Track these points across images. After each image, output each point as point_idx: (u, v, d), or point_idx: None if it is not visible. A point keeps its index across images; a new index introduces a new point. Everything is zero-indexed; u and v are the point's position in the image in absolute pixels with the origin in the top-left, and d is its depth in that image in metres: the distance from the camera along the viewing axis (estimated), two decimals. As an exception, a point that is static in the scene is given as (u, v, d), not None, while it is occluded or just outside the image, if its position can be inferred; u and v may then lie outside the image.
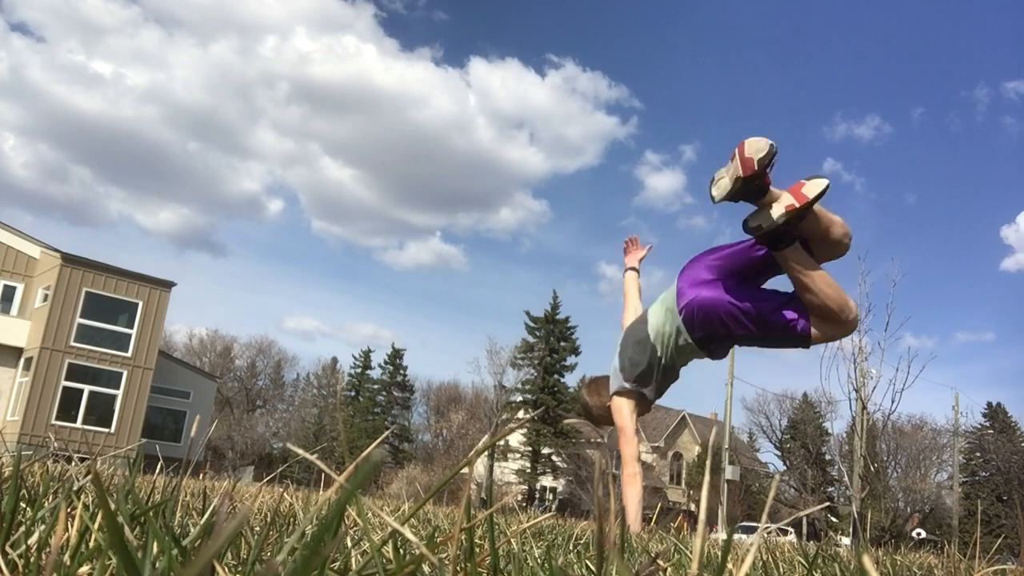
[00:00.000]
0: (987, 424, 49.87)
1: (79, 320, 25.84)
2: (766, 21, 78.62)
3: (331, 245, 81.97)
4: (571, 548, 1.31)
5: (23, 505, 0.85)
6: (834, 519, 36.86)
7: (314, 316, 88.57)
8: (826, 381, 26.91)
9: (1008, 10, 62.94)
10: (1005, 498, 44.62)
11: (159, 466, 1.63)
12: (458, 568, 0.59)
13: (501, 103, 76.62)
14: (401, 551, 0.68)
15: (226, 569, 0.65)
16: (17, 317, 26.47)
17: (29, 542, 0.67)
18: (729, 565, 0.82)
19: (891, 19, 73.51)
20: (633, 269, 4.62)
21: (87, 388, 25.99)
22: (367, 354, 59.01)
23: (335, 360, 63.86)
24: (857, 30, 74.03)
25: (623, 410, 4.16)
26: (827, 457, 46.44)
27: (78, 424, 25.33)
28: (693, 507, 44.12)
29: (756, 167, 3.09)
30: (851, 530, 21.64)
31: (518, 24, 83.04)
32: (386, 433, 0.86)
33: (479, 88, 77.76)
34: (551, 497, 45.23)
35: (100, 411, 26.27)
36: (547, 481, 46.12)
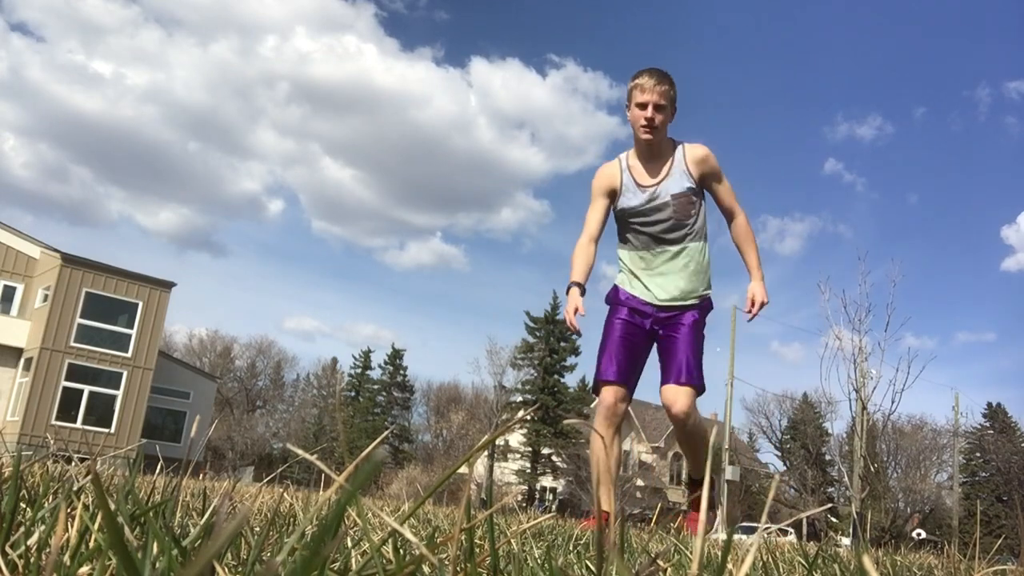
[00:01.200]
0: (987, 424, 49.90)
1: (79, 320, 25.86)
2: (768, 21, 78.70)
3: (331, 245, 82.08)
4: (571, 548, 1.31)
5: (23, 505, 0.85)
6: (834, 519, 36.86)
7: (314, 316, 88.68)
8: (826, 381, 26.90)
9: (1010, 10, 63.00)
10: (1005, 498, 44.63)
11: (159, 466, 1.63)
12: (458, 568, 0.59)
13: (502, 103, 76.73)
14: (401, 551, 0.68)
15: (226, 569, 0.65)
16: (17, 317, 26.48)
17: (29, 542, 0.67)
18: (729, 565, 0.82)
19: (893, 19, 73.59)
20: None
21: (87, 388, 26.01)
22: (367, 354, 59.05)
23: (335, 360, 63.92)
24: (859, 30, 74.12)
25: None
26: (827, 457, 46.46)
27: (78, 424, 25.34)
28: (693, 507, 44.00)
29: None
30: (851, 530, 21.64)
31: (519, 24, 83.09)
32: (386, 433, 0.86)
33: (480, 88, 77.86)
34: (551, 497, 45.23)
35: (100, 411, 26.28)
36: (547, 481, 46.12)
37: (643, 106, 3.84)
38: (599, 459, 3.88)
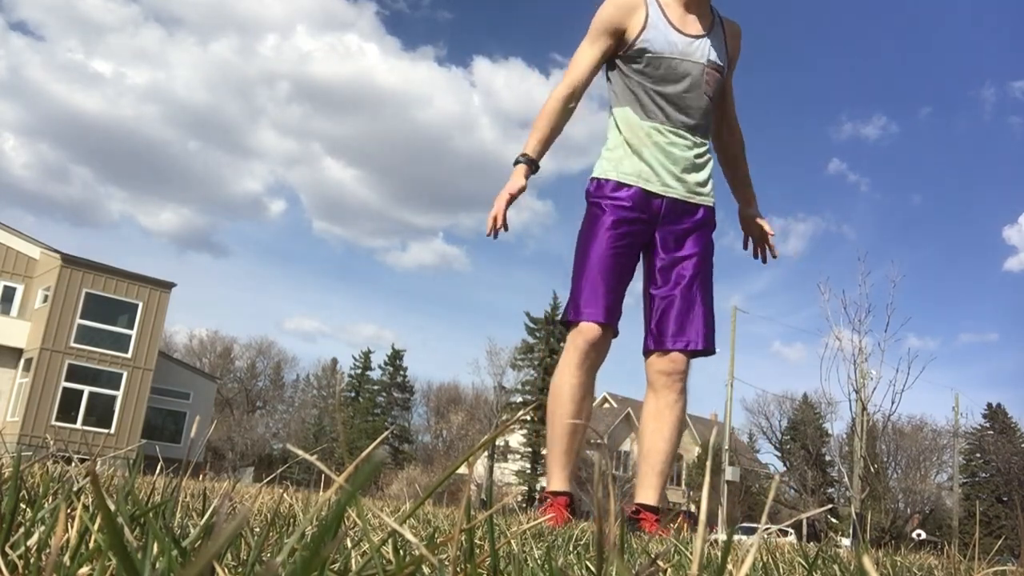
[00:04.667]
0: (987, 425, 49.86)
1: (79, 321, 25.85)
2: (771, 20, 78.62)
3: (332, 246, 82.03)
4: (571, 549, 1.31)
5: (23, 506, 0.85)
6: (834, 520, 36.85)
7: (315, 317, 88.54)
8: (826, 382, 26.90)
9: (1015, 10, 62.98)
10: (1005, 499, 44.61)
11: (159, 467, 1.62)
12: (458, 569, 0.59)
13: (505, 103, 76.71)
14: (401, 552, 0.68)
15: (226, 570, 0.65)
16: (17, 318, 26.47)
17: (29, 543, 0.67)
18: (729, 566, 0.82)
19: (898, 18, 73.59)
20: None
21: (87, 389, 25.99)
22: (367, 355, 59.03)
23: (335, 361, 63.87)
24: (864, 29, 74.11)
25: None
26: (827, 458, 46.45)
27: (78, 425, 25.33)
28: (693, 508, 44.07)
29: None
30: (851, 531, 21.64)
31: (522, 23, 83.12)
32: (385, 434, 0.86)
33: (483, 88, 77.91)
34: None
35: (100, 412, 26.27)
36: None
37: None
38: (563, 414, 2.93)
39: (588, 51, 3.01)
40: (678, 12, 3.01)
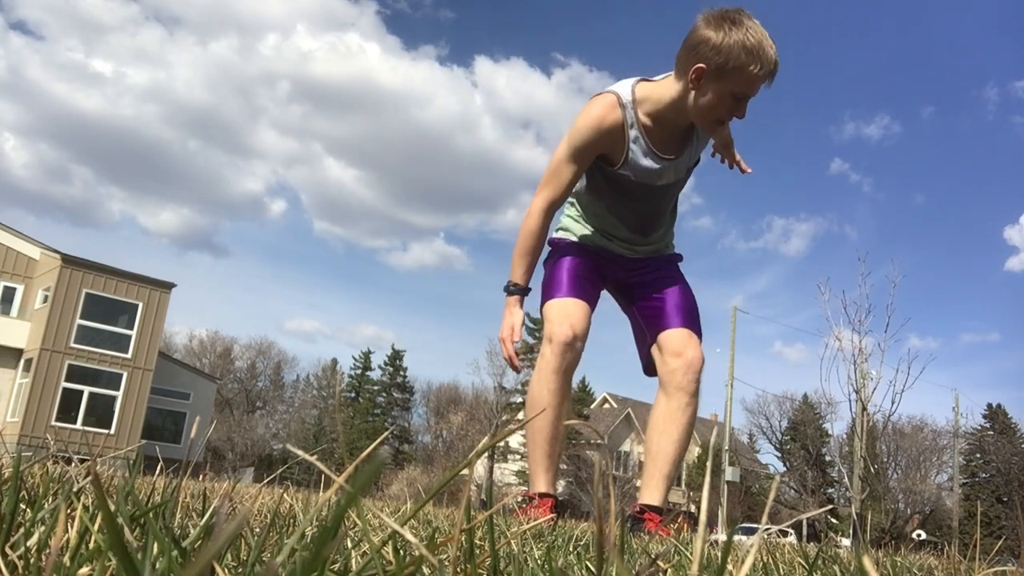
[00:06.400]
0: (987, 425, 49.88)
1: (79, 321, 25.85)
2: (774, 20, 78.35)
3: (333, 246, 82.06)
4: (571, 549, 1.31)
5: (23, 506, 0.85)
6: (834, 520, 36.88)
7: (315, 318, 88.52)
8: (826, 382, 26.90)
9: (1018, 9, 62.97)
10: (1005, 499, 44.63)
11: (159, 467, 1.62)
12: (458, 569, 0.59)
13: (507, 102, 76.76)
14: (401, 552, 0.68)
15: (226, 570, 0.65)
16: (17, 318, 26.48)
17: (29, 543, 0.67)
18: (729, 566, 0.82)
19: (901, 17, 73.59)
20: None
21: (87, 389, 26.00)
22: (367, 355, 59.05)
23: (335, 361, 63.89)
24: (866, 28, 74.12)
25: None
26: (827, 458, 46.48)
27: (78, 425, 25.34)
28: (693, 508, 44.07)
29: None
30: (851, 531, 21.64)
31: (524, 23, 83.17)
32: (385, 434, 0.86)
33: (485, 87, 77.94)
34: (551, 498, 45.07)
35: (100, 412, 26.28)
36: (547, 482, 45.97)
37: (742, 97, 2.70)
38: (543, 421, 3.03)
39: (568, 168, 2.95)
40: (659, 135, 2.92)
